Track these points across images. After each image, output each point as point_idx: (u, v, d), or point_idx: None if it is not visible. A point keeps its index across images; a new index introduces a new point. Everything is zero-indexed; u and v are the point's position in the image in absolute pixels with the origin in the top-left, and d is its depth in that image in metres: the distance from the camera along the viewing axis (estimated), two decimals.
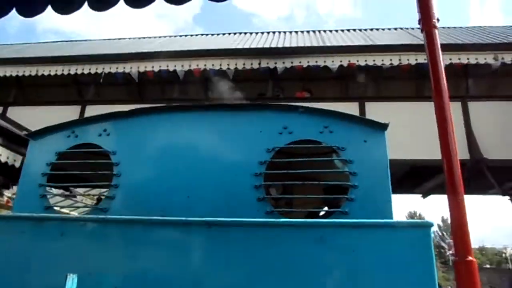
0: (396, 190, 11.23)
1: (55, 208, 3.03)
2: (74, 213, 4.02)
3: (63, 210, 3.36)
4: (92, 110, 10.79)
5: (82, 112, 11.51)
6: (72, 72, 11.74)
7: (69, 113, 11.10)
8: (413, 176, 10.67)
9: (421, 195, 13.24)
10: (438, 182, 10.66)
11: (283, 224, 2.25)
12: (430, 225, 2.13)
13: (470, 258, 1.78)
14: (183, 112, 3.08)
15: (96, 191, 4.26)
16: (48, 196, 3.04)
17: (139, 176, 2.91)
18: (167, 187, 2.78)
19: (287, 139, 2.80)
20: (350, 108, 10.12)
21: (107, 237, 2.35)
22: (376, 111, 10.19)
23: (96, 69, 11.64)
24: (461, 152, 8.45)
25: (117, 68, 11.57)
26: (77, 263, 2.25)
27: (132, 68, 11.48)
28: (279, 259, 2.17)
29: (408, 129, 9.33)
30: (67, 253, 2.32)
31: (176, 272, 2.21)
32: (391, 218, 2.47)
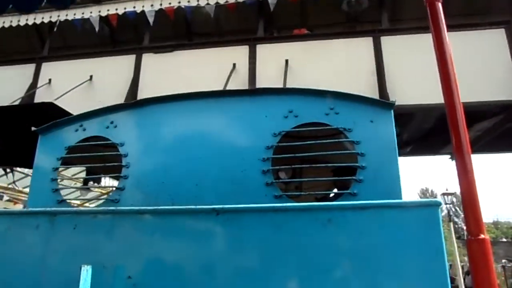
0: (421, 150, 10.07)
1: (68, 201, 3.08)
2: (87, 206, 4.09)
3: (76, 202, 3.41)
4: (53, 68, 9.37)
5: (38, 69, 9.37)
6: (22, 23, 9.45)
7: (27, 71, 9.33)
8: (442, 130, 8.03)
9: (449, 156, 10.82)
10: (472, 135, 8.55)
11: (291, 208, 2.26)
12: (438, 204, 2.12)
13: (482, 236, 1.77)
14: (187, 100, 3.08)
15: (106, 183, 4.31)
16: (61, 190, 3.09)
17: (147, 166, 2.94)
18: (175, 176, 2.80)
19: (293, 123, 2.78)
20: (362, 45, 8.16)
21: (119, 228, 2.39)
22: (393, 48, 8.04)
23: (50, 17, 9.36)
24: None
25: (74, 14, 9.31)
26: (91, 254, 2.30)
27: (92, 12, 9.28)
28: (289, 243, 2.18)
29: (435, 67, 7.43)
30: (81, 245, 2.37)
31: (187, 260, 2.24)
32: (400, 197, 2.46)
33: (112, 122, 3.18)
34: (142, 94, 8.20)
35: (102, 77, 8.85)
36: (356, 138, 2.68)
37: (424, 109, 7.44)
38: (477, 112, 7.41)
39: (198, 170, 2.78)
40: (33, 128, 3.37)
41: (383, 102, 2.75)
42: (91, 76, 8.85)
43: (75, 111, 6.10)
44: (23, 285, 2.39)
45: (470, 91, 6.88)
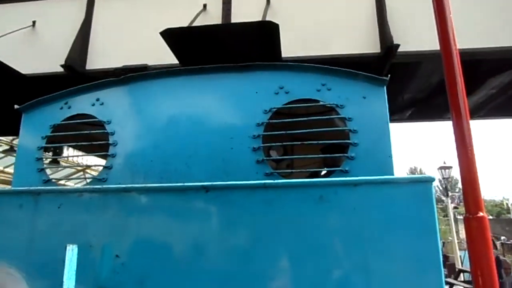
0: (423, 114, 8.24)
1: (54, 181, 3.01)
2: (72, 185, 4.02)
3: (62, 182, 3.34)
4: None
5: None
6: None
7: None
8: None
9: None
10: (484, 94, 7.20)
11: (281, 185, 2.22)
12: (431, 179, 2.09)
13: (481, 213, 1.75)
14: (176, 76, 2.99)
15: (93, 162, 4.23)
16: (46, 169, 3.02)
17: (135, 144, 2.87)
18: (164, 154, 2.74)
19: (284, 99, 2.72)
20: None
21: (106, 207, 2.33)
22: None
23: None
24: None
25: None
26: (77, 234, 2.24)
27: None
28: (280, 220, 2.15)
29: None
30: (66, 225, 2.31)
31: (176, 238, 2.20)
32: (392, 174, 2.44)
33: (98, 99, 3.09)
34: (95, 43, 6.96)
35: (47, 23, 7.48)
36: (348, 115, 2.63)
37: (434, 57, 5.64)
38: (493, 63, 6.05)
39: (188, 148, 2.71)
40: (16, 106, 3.26)
41: (375, 78, 2.69)
42: (34, 22, 7.49)
43: (16, 60, 5.71)
44: (8, 265, 2.33)
45: (483, 34, 5.64)
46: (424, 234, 2.00)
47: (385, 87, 2.68)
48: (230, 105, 2.80)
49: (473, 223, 1.74)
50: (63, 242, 1.99)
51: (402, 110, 8.03)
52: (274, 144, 2.91)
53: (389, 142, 2.53)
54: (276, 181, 2.31)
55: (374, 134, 2.57)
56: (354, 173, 2.43)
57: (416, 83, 6.91)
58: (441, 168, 18.60)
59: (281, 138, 2.86)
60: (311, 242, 2.09)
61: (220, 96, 2.84)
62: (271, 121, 2.67)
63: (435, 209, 2.05)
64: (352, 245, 2.07)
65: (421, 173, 60.78)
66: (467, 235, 1.78)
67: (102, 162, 3.00)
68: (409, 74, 6.56)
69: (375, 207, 2.08)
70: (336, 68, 2.79)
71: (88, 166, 6.89)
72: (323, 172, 3.90)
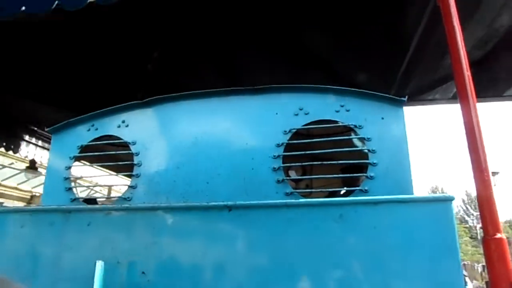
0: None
1: (81, 200, 3.12)
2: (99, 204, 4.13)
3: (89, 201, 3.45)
4: None
5: None
6: None
7: None
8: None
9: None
10: None
11: (302, 204, 2.26)
12: (451, 199, 2.10)
13: (499, 235, 1.74)
14: (198, 98, 3.10)
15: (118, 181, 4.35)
16: (74, 189, 3.13)
17: (159, 165, 2.96)
18: (186, 174, 2.83)
19: (303, 120, 2.79)
20: None
21: (132, 225, 2.41)
22: None
23: None
24: None
25: None
26: (105, 251, 2.32)
27: None
28: (301, 239, 2.18)
29: None
30: (95, 242, 2.39)
31: (200, 256, 2.26)
32: (412, 194, 2.46)
33: (123, 121, 3.21)
34: None
35: None
36: (366, 135, 2.67)
37: None
38: None
39: (209, 169, 2.79)
40: (46, 129, 3.42)
41: (394, 99, 2.74)
42: None
43: None
44: (38, 281, 2.42)
45: None
46: (444, 254, 2.00)
47: (403, 107, 2.72)
48: (250, 126, 2.89)
49: (491, 245, 1.74)
50: (92, 259, 2.07)
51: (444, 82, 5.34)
52: (293, 164, 2.96)
53: (408, 162, 2.56)
54: (296, 200, 2.36)
55: (393, 154, 2.60)
56: (373, 193, 2.46)
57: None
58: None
59: (301, 159, 2.92)
60: (331, 261, 2.12)
61: (241, 117, 2.93)
62: (290, 141, 2.74)
63: (456, 229, 2.06)
64: (371, 265, 2.08)
65: (442, 192, 59.54)
66: (486, 258, 1.77)
67: (127, 182, 3.11)
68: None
69: (394, 226, 2.10)
70: (355, 89, 2.85)
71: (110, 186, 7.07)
72: (342, 192, 3.92)
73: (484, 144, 1.83)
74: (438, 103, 5.84)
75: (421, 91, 5.60)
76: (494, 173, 18.32)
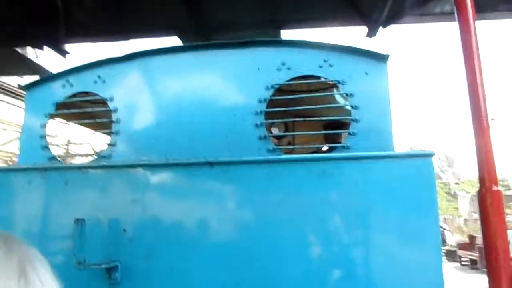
0: None
1: (58, 158, 3.05)
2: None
3: (67, 160, 3.38)
4: None
5: None
6: None
7: None
8: None
9: None
10: None
11: (285, 160, 2.25)
12: (431, 154, 2.12)
13: (495, 187, 1.74)
14: (178, 53, 2.99)
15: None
16: (50, 147, 3.05)
17: (138, 122, 2.89)
18: (167, 131, 2.77)
19: (286, 75, 2.73)
20: None
21: (112, 183, 2.38)
22: None
23: None
24: None
25: None
26: (85, 209, 2.29)
27: None
28: (283, 195, 2.20)
29: None
30: (74, 200, 2.36)
31: (181, 213, 2.26)
32: (393, 151, 2.47)
33: (100, 77, 3.09)
34: None
35: None
36: (349, 91, 2.64)
37: None
38: None
39: (191, 125, 2.74)
40: (18, 84, 3.28)
41: (378, 54, 2.69)
42: None
43: None
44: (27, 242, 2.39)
45: None
46: (424, 207, 2.05)
47: (387, 63, 2.69)
48: (232, 81, 2.82)
49: (487, 197, 1.74)
50: (71, 217, 2.04)
51: None
52: (276, 120, 2.93)
53: (390, 119, 2.55)
54: (280, 156, 2.35)
55: (375, 110, 2.59)
56: (355, 149, 2.46)
57: None
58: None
59: (283, 115, 2.88)
60: (313, 217, 2.15)
61: (222, 73, 2.85)
62: (273, 97, 2.69)
63: (435, 183, 2.09)
64: (353, 220, 2.12)
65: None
66: (481, 211, 1.77)
67: (106, 140, 3.04)
68: None
69: (376, 181, 2.13)
70: (338, 44, 2.79)
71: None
72: (325, 149, 3.95)
73: (485, 87, 1.79)
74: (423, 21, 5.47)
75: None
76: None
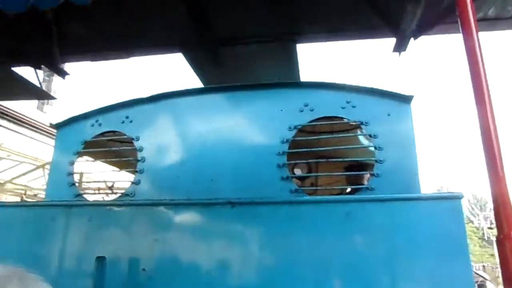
0: None
1: (84, 195, 3.10)
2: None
3: (92, 197, 3.43)
4: None
5: None
6: None
7: None
8: None
9: None
10: None
11: (307, 201, 2.22)
12: (460, 197, 2.04)
13: None
14: (203, 94, 3.07)
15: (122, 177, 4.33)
16: (77, 184, 3.12)
17: (163, 161, 2.94)
18: (191, 171, 2.79)
19: (308, 117, 2.74)
20: None
21: (134, 221, 2.39)
22: None
23: None
24: None
25: None
26: (106, 246, 2.30)
27: None
28: (305, 236, 2.14)
29: None
30: (96, 237, 2.37)
31: (202, 253, 2.22)
32: (419, 192, 2.41)
33: (127, 117, 3.18)
34: None
35: None
36: (373, 132, 2.62)
37: None
38: None
39: (214, 165, 2.76)
40: (50, 123, 3.41)
41: (401, 95, 2.69)
42: None
43: None
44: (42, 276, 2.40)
45: None
46: (454, 253, 1.95)
47: (410, 104, 2.67)
48: (255, 122, 2.85)
49: (505, 244, 1.68)
50: (92, 254, 2.04)
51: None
52: (298, 161, 2.92)
53: (415, 159, 2.51)
54: (301, 197, 2.31)
55: (399, 151, 2.55)
56: (380, 191, 2.41)
57: None
58: None
59: (306, 156, 2.87)
60: (337, 260, 2.08)
61: (246, 114, 2.89)
62: (296, 138, 2.69)
63: (465, 227, 2.00)
64: (379, 264, 2.04)
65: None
66: (500, 258, 1.70)
67: (130, 178, 3.09)
68: None
69: (402, 224, 2.05)
70: (362, 86, 2.80)
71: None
72: (348, 191, 3.88)
73: (499, 139, 1.76)
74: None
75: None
76: None
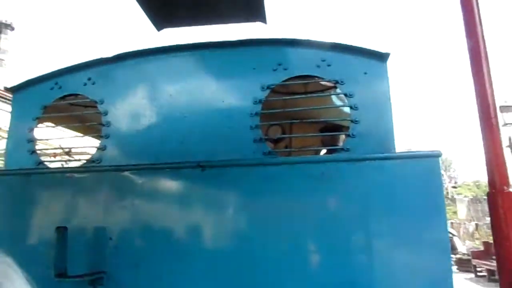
0: None
1: (46, 163, 2.92)
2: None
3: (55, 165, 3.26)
4: None
5: None
6: None
7: None
8: None
9: None
10: None
11: (281, 162, 2.13)
12: (438, 155, 1.99)
13: (507, 189, 1.66)
14: (171, 53, 2.88)
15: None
16: (38, 151, 2.93)
17: (129, 124, 2.78)
18: (159, 134, 2.65)
19: (282, 76, 2.62)
20: None
21: (98, 188, 2.25)
22: None
23: None
24: None
25: None
26: (69, 216, 2.17)
27: None
28: (280, 199, 2.08)
29: None
30: (59, 206, 2.23)
31: (172, 218, 2.13)
32: (395, 152, 2.36)
33: (89, 79, 2.98)
34: None
35: None
36: (348, 91, 2.54)
37: None
38: None
39: (183, 127, 2.63)
40: (4, 86, 3.16)
41: (377, 53, 2.59)
42: None
43: None
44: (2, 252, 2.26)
45: None
46: (430, 212, 1.92)
47: (386, 63, 2.59)
48: (226, 82, 2.71)
49: (498, 199, 1.65)
50: (54, 225, 1.91)
51: None
52: (271, 122, 2.82)
53: (391, 119, 2.45)
54: (275, 158, 2.23)
55: (375, 110, 2.49)
56: (355, 152, 2.35)
57: None
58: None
59: (279, 116, 2.77)
60: (312, 221, 2.03)
61: (217, 73, 2.74)
62: (269, 98, 2.58)
63: (442, 185, 1.97)
64: (354, 224, 2.00)
65: None
66: (492, 213, 1.69)
67: (95, 144, 2.92)
68: None
69: (378, 184, 2.00)
70: (337, 43, 2.69)
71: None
72: (323, 152, 3.83)
73: (493, 85, 1.70)
74: None
75: None
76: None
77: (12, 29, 28.31)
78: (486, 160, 1.71)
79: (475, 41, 1.81)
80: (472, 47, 1.83)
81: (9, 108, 3.27)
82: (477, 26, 1.89)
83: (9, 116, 3.19)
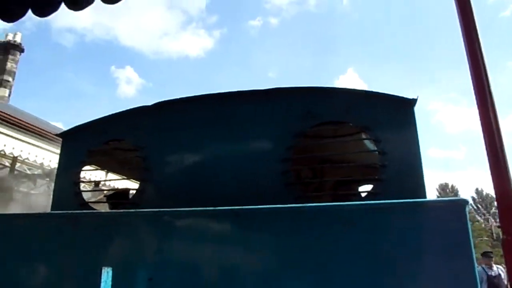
0: None
1: (90, 204, 3.12)
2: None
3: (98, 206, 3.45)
4: None
5: None
6: None
7: None
8: None
9: None
10: None
11: (309, 209, 2.20)
12: (465, 202, 2.00)
13: None
14: (206, 103, 3.07)
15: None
16: (83, 193, 3.13)
17: (167, 169, 2.95)
18: (195, 179, 2.80)
19: (312, 122, 2.73)
20: None
21: (139, 230, 2.39)
22: None
23: None
24: None
25: None
26: (112, 256, 2.30)
27: None
28: (309, 244, 2.13)
29: None
30: (102, 247, 2.37)
31: (207, 262, 2.21)
32: (424, 195, 2.38)
33: (132, 125, 3.20)
34: None
35: None
36: (376, 136, 2.61)
37: None
38: None
39: (218, 173, 2.76)
40: (55, 133, 3.44)
41: (404, 99, 2.67)
42: None
43: None
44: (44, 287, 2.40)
45: None
46: (459, 259, 1.91)
47: (413, 108, 2.66)
48: (258, 129, 2.84)
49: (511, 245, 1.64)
50: (98, 265, 2.04)
51: None
52: (302, 167, 2.91)
53: (419, 162, 2.49)
54: (304, 205, 2.29)
55: (404, 155, 2.54)
56: (384, 195, 2.39)
57: None
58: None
59: (310, 161, 2.87)
60: (341, 267, 2.06)
61: (248, 121, 2.89)
62: (299, 144, 2.69)
63: (470, 233, 1.96)
64: (383, 270, 2.01)
65: (453, 190, 57.63)
66: (506, 258, 1.67)
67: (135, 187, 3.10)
68: None
69: (406, 231, 2.02)
70: (364, 90, 2.80)
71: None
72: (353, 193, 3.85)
73: (503, 138, 1.71)
74: None
75: None
76: None
77: (22, 50, 27.37)
78: (498, 209, 1.71)
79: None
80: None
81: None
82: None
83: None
